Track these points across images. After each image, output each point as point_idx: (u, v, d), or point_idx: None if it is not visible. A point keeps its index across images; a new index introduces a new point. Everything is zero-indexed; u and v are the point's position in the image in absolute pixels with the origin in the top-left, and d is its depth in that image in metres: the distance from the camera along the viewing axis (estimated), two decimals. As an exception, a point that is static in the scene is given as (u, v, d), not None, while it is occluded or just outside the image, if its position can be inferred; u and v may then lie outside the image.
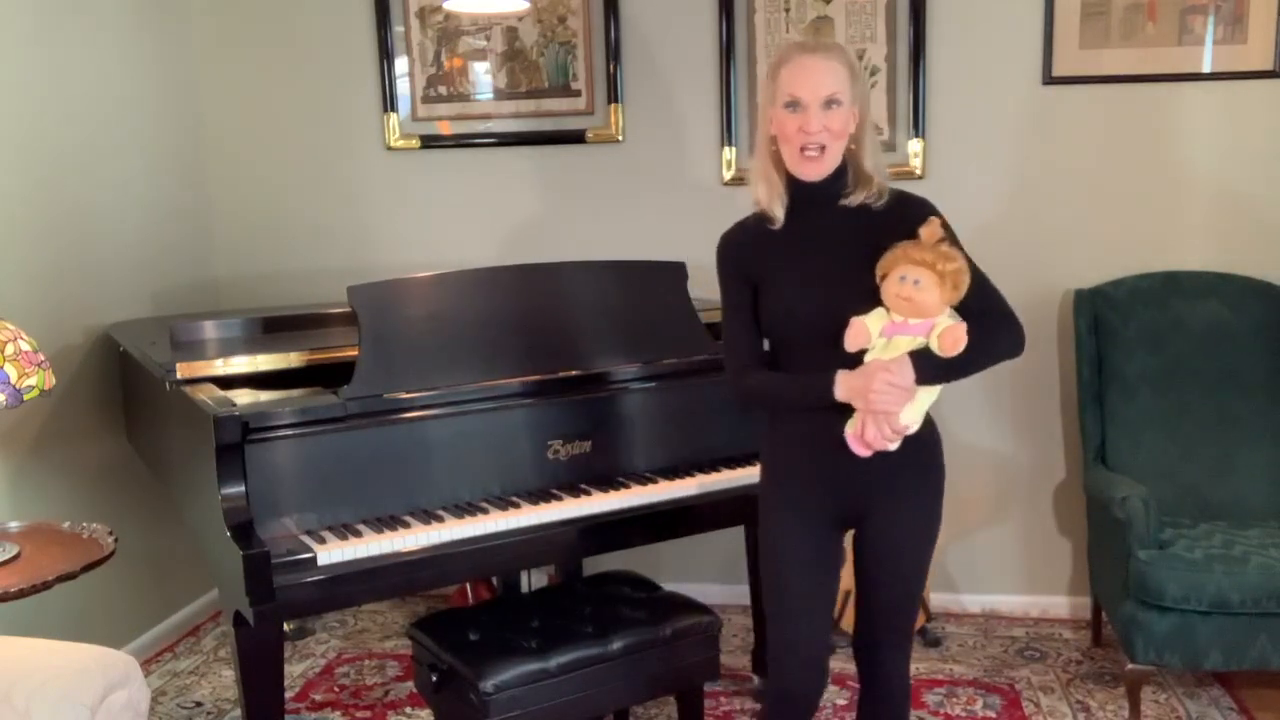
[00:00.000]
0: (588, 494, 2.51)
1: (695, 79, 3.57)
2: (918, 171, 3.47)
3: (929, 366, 1.94)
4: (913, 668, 3.24)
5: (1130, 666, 2.81)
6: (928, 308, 1.93)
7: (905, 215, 2.01)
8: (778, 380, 2.08)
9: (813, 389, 2.00)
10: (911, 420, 1.98)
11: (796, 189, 2.05)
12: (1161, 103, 3.34)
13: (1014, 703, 3.07)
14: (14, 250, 2.97)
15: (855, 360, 1.97)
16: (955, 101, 3.45)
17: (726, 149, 3.56)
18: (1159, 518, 2.84)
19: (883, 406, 1.92)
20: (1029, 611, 3.65)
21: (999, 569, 3.66)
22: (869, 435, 1.96)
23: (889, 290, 1.95)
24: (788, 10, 3.47)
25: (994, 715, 3.01)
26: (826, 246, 2.03)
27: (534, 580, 3.15)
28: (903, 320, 1.95)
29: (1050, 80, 3.38)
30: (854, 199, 2.04)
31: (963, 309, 1.97)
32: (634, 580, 2.73)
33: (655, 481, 2.58)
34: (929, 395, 2.00)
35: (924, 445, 2.06)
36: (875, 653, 2.18)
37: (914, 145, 3.47)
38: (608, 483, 2.58)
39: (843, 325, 1.96)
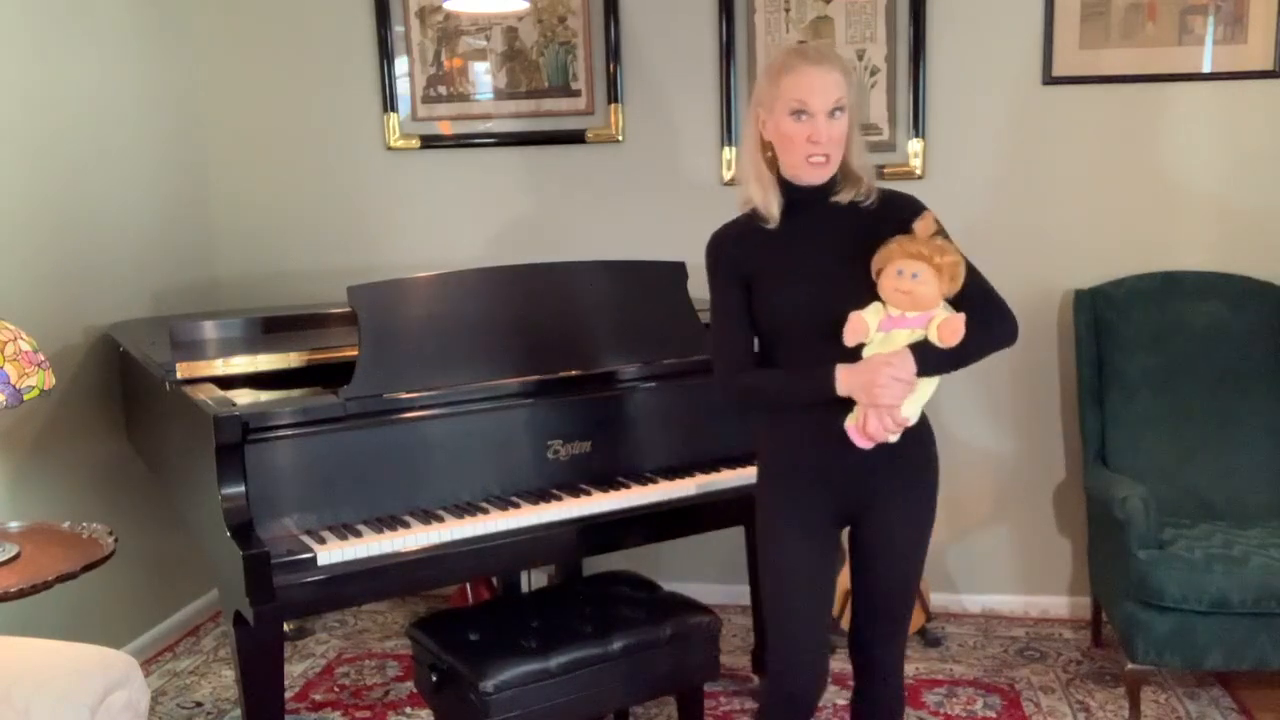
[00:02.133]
0: (588, 494, 2.51)
1: (695, 79, 3.57)
2: (918, 171, 3.47)
3: (929, 358, 1.96)
4: (912, 668, 3.26)
5: (1130, 666, 2.81)
6: (926, 300, 1.95)
7: (896, 211, 2.04)
8: (775, 377, 2.08)
9: (812, 384, 2.00)
10: (912, 412, 2.00)
11: (788, 191, 2.07)
12: (1161, 103, 3.34)
13: (1014, 703, 3.07)
14: (14, 250, 2.97)
15: (852, 355, 1.98)
16: (955, 101, 3.45)
17: (726, 149, 3.56)
18: (1159, 518, 2.84)
19: (886, 400, 1.94)
20: (1029, 611, 3.65)
21: (999, 569, 3.66)
22: (871, 428, 1.97)
23: (886, 284, 1.96)
24: (788, 10, 3.47)
25: (994, 715, 3.01)
26: (821, 244, 2.05)
27: (534, 580, 3.15)
28: (900, 314, 1.96)
29: (1050, 80, 3.38)
30: (843, 196, 2.06)
31: (956, 301, 1.99)
32: (634, 580, 2.73)
33: (655, 481, 2.58)
34: (928, 387, 2.01)
35: (920, 438, 2.08)
36: (871, 649, 2.19)
37: (914, 145, 3.47)
38: (608, 483, 2.58)
39: (840, 321, 1.97)
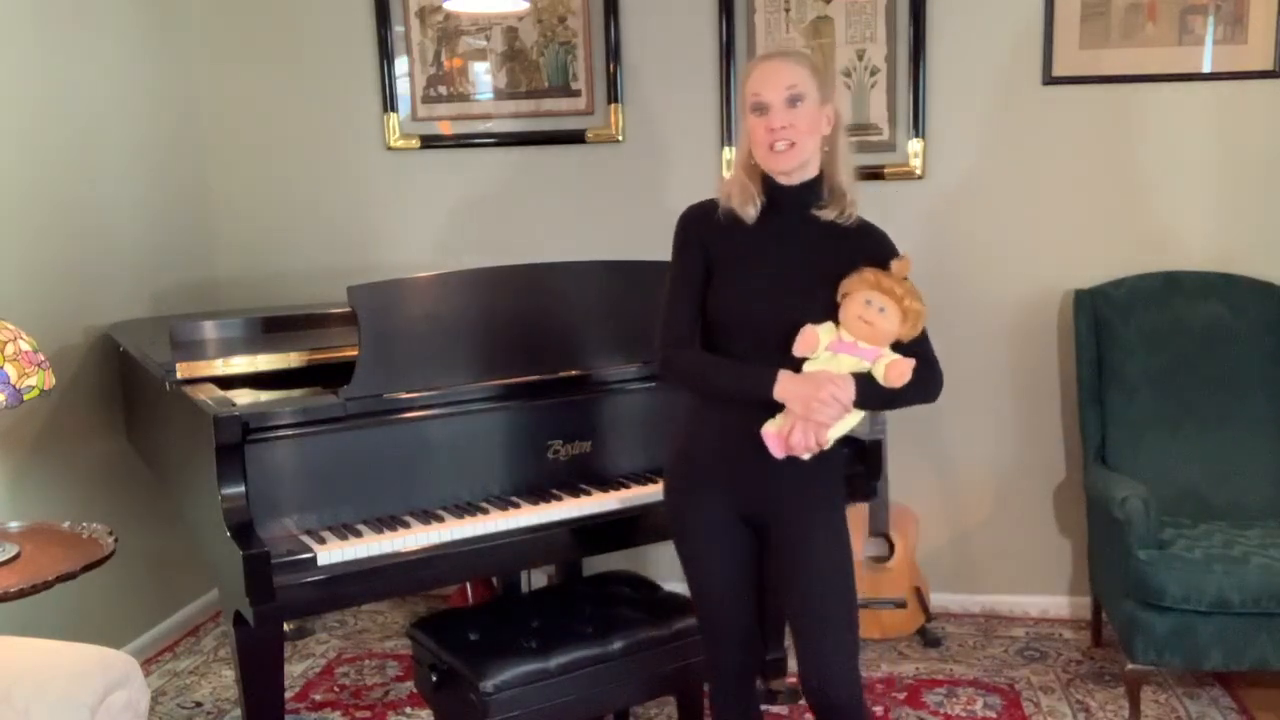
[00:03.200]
0: (588, 494, 2.51)
1: (695, 79, 3.57)
2: (918, 171, 3.47)
3: (867, 392, 2.00)
4: (912, 668, 3.26)
5: (1130, 666, 2.81)
6: (882, 336, 2.00)
7: (870, 242, 2.10)
8: (715, 364, 2.09)
9: (751, 381, 2.02)
10: (833, 436, 2.03)
11: (773, 193, 2.09)
12: (1162, 103, 3.34)
13: (1014, 703, 3.07)
14: (14, 250, 2.97)
15: (792, 365, 2.02)
16: (955, 101, 3.45)
17: (726, 149, 3.56)
18: (1159, 518, 2.84)
19: (821, 416, 1.97)
20: (1029, 611, 3.65)
21: (999, 569, 3.66)
22: (794, 439, 1.99)
23: (850, 310, 2.00)
24: (788, 10, 3.47)
25: (994, 715, 3.01)
26: (792, 251, 2.07)
27: (534, 580, 3.15)
28: (853, 341, 2.00)
29: (1050, 80, 3.38)
30: (827, 213, 2.08)
31: (900, 349, 2.03)
32: (634, 580, 2.73)
33: (655, 481, 2.57)
34: (854, 418, 2.05)
35: (832, 462, 2.11)
36: (817, 687, 2.09)
37: (914, 145, 3.47)
38: (608, 483, 2.58)
39: (791, 329, 2.00)
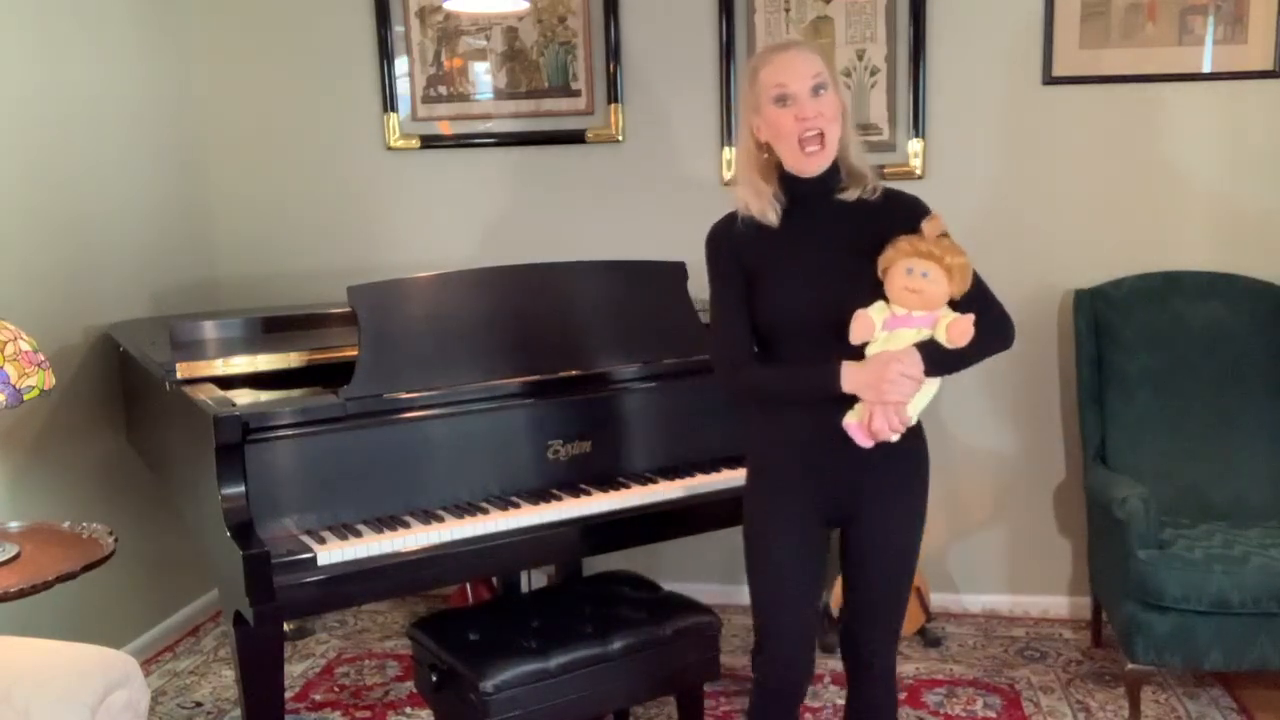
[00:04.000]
0: (588, 494, 2.51)
1: (695, 79, 3.57)
2: (918, 171, 3.47)
3: (935, 358, 1.95)
4: (912, 668, 3.26)
5: (1130, 666, 2.81)
6: (934, 300, 1.95)
7: (900, 209, 2.04)
8: (778, 374, 2.06)
9: (817, 381, 1.99)
10: (916, 411, 1.99)
11: (792, 187, 2.06)
12: (1161, 103, 3.34)
13: (1014, 703, 3.07)
14: (14, 250, 2.97)
15: (854, 354, 1.98)
16: (955, 101, 3.45)
17: (726, 149, 3.56)
18: (1159, 518, 2.84)
19: (895, 396, 1.92)
20: (1029, 611, 3.65)
21: (999, 569, 3.66)
22: (876, 425, 1.95)
23: (895, 283, 1.95)
24: (788, 10, 3.47)
25: (994, 715, 3.01)
26: (826, 241, 2.04)
27: (534, 580, 3.15)
28: (906, 313, 1.95)
29: (1050, 80, 3.38)
30: (849, 194, 2.05)
31: (957, 304, 1.99)
32: (634, 580, 2.73)
33: (655, 481, 2.58)
34: (932, 387, 2.00)
35: (915, 439, 2.08)
36: (866, 652, 2.18)
37: (914, 145, 3.47)
38: (608, 483, 2.57)
39: (843, 319, 1.96)
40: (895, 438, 1.99)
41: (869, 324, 1.95)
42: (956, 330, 1.93)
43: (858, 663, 2.21)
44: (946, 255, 1.93)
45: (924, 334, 1.96)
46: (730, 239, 2.09)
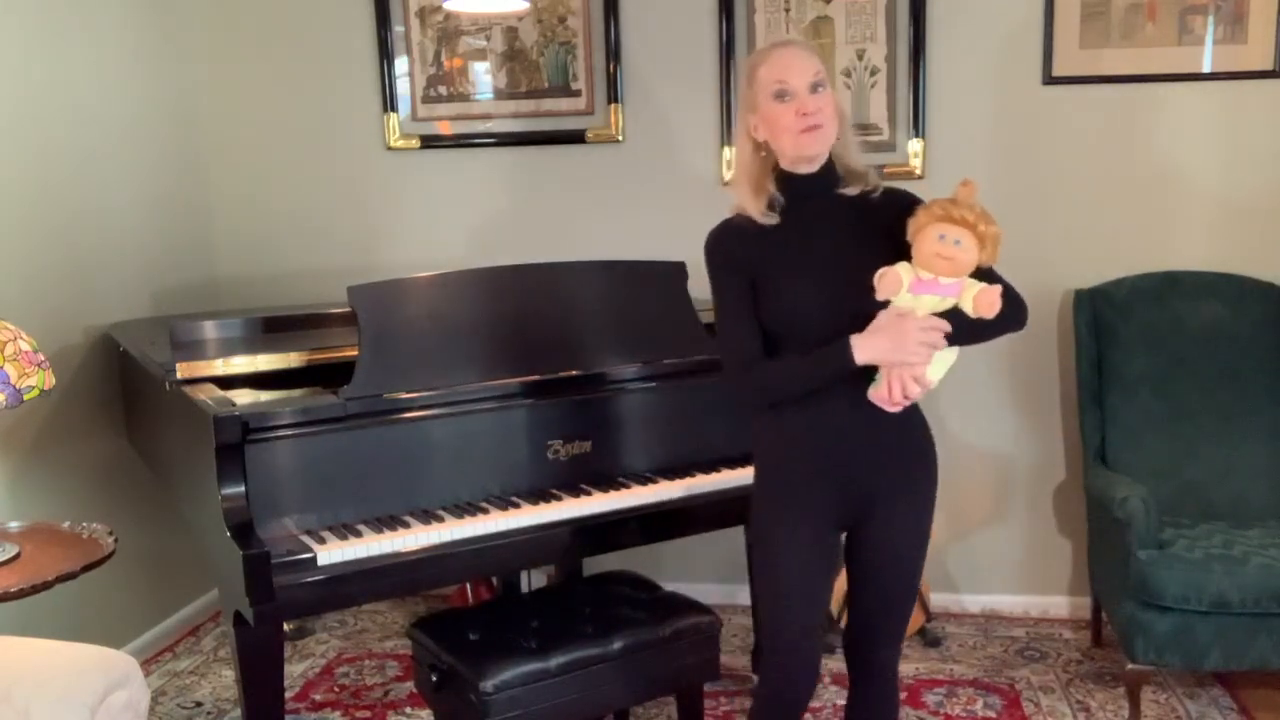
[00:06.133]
0: (588, 494, 2.51)
1: (695, 79, 3.57)
2: (918, 171, 3.47)
3: (958, 327, 1.94)
4: (912, 668, 3.26)
5: (1130, 666, 2.81)
6: (964, 267, 1.91)
7: (903, 203, 2.04)
8: (787, 366, 2.03)
9: (830, 363, 1.96)
10: (936, 376, 1.96)
11: (790, 186, 2.05)
12: (1161, 103, 3.34)
13: (1014, 703, 3.07)
14: (14, 250, 2.97)
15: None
16: (955, 101, 3.45)
17: (726, 149, 3.56)
18: (1159, 518, 2.84)
19: (914, 358, 1.91)
20: (1029, 611, 3.65)
21: (999, 569, 3.66)
22: (894, 391, 1.93)
23: (924, 248, 1.91)
24: (788, 10, 3.47)
25: (994, 715, 3.01)
26: (829, 234, 2.03)
27: (534, 580, 3.15)
28: (932, 278, 1.91)
29: (1050, 80, 3.38)
30: (851, 190, 2.06)
31: (977, 278, 1.97)
32: (634, 580, 2.73)
33: (655, 481, 2.58)
34: (951, 355, 1.97)
35: (921, 430, 2.09)
36: (871, 651, 2.19)
37: (914, 145, 3.47)
38: (608, 483, 2.57)
39: (849, 316, 1.95)
40: (920, 394, 1.95)
41: (897, 279, 1.91)
42: (984, 301, 1.90)
43: (861, 663, 2.21)
44: (980, 223, 1.90)
45: (949, 303, 1.93)
46: (729, 242, 2.08)
